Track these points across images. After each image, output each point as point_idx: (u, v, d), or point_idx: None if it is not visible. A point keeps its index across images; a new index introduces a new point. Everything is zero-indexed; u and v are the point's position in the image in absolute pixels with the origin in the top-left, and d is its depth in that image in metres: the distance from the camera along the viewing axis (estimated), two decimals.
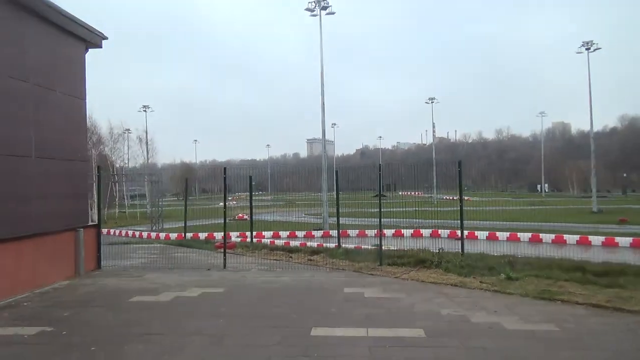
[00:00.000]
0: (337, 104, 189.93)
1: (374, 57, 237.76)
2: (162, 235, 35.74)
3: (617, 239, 25.19)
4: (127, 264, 11.06)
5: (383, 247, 10.88)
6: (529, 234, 28.86)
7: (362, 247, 25.08)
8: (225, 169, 10.44)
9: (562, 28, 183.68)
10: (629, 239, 24.68)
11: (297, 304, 6.92)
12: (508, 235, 29.09)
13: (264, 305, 6.87)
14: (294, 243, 29.28)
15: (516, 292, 7.16)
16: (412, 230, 31.53)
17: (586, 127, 63.08)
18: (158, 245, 15.68)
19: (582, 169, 77.00)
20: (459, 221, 11.13)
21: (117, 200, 60.46)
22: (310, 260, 11.01)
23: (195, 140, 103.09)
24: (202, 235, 34.29)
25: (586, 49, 49.23)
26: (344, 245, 26.29)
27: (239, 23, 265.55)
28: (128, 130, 62.57)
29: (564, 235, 27.60)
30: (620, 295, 6.66)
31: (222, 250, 11.24)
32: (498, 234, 29.71)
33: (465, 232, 27.93)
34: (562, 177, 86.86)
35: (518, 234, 29.09)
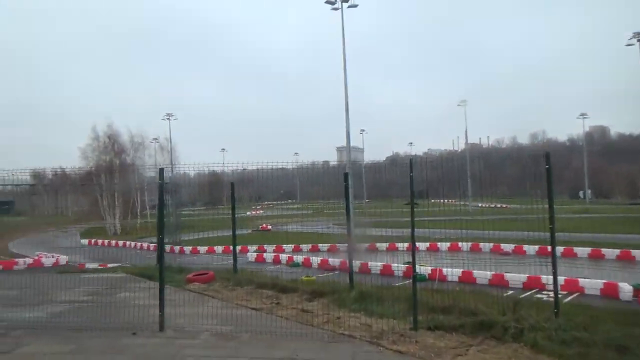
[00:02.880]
0: (365, 111, 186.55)
1: (399, 60, 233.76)
2: (177, 248, 33.48)
3: None
4: (27, 317, 7.40)
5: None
6: (588, 249, 24.70)
7: (392, 266, 21.62)
8: None
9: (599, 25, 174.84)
10: None
11: None
12: (562, 250, 24.96)
13: None
14: (314, 259, 26.13)
15: None
16: (449, 243, 27.87)
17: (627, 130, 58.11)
18: (114, 276, 11.63)
19: (629, 174, 71.64)
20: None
21: (139, 210, 58.99)
22: (305, 311, 7.04)
23: (223, 149, 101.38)
24: (219, 249, 31.65)
25: (638, 40, 44.71)
26: (369, 264, 22.71)
27: (255, 26, 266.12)
28: (155, 139, 61.03)
29: (631, 250, 23.37)
30: None
31: (196, 284, 8.06)
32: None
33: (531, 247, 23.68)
34: (607, 182, 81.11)
35: (574, 248, 24.99)
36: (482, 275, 17.79)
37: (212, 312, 7.08)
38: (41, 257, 28.45)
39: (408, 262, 21.95)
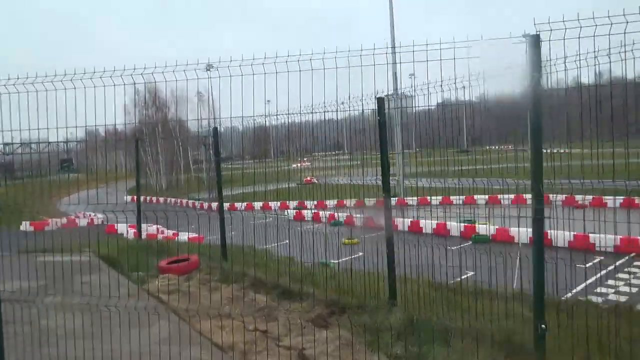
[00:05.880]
0: (413, 53, 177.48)
1: None
2: (214, 205, 32.02)
3: None
4: None
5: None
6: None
7: (447, 224, 18.65)
8: None
9: None
10: None
11: None
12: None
13: None
14: (358, 216, 23.49)
15: None
16: (512, 195, 24.43)
17: None
18: (74, 260, 6.91)
19: None
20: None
21: (182, 166, 58.27)
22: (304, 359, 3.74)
23: (269, 101, 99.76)
24: (258, 205, 29.86)
25: None
26: (421, 223, 19.85)
27: None
28: (199, 93, 59.16)
29: None
30: None
31: (172, 275, 5.60)
32: None
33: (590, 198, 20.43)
34: None
35: None
36: (560, 236, 14.51)
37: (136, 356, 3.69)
38: (78, 216, 27.55)
39: (467, 220, 18.85)
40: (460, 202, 24.90)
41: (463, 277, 10.14)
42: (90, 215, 27.13)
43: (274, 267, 5.10)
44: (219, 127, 12.92)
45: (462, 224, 18.42)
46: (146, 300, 4.64)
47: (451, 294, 4.53)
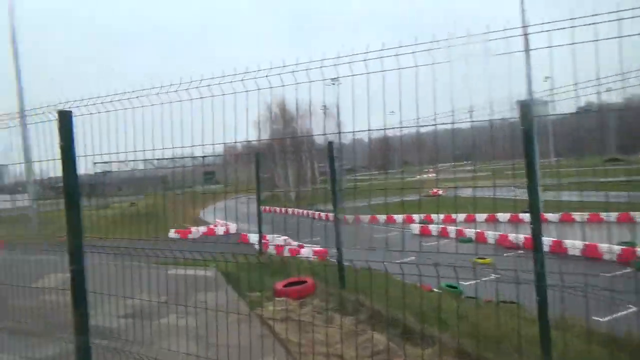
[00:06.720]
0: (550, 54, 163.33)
1: None
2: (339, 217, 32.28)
3: None
4: None
5: None
6: None
7: (599, 246, 16.27)
8: None
9: None
10: None
11: None
12: None
13: None
14: (491, 233, 21.77)
15: None
16: None
17: None
18: (198, 274, 6.61)
19: None
20: None
21: (310, 177, 60.44)
22: None
23: (392, 112, 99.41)
24: (382, 218, 29.32)
25: None
26: (565, 243, 17.63)
27: None
28: (324, 106, 61.14)
29: None
30: None
31: (285, 299, 5.38)
32: None
33: None
34: None
35: None
36: None
37: None
38: (216, 225, 29.52)
39: (626, 243, 16.05)
40: (613, 219, 21.63)
41: (623, 312, 8.53)
42: (226, 224, 28.93)
43: (395, 295, 4.51)
44: (340, 139, 12.80)
45: (620, 247, 15.93)
46: (256, 327, 4.41)
47: (621, 351, 3.51)
